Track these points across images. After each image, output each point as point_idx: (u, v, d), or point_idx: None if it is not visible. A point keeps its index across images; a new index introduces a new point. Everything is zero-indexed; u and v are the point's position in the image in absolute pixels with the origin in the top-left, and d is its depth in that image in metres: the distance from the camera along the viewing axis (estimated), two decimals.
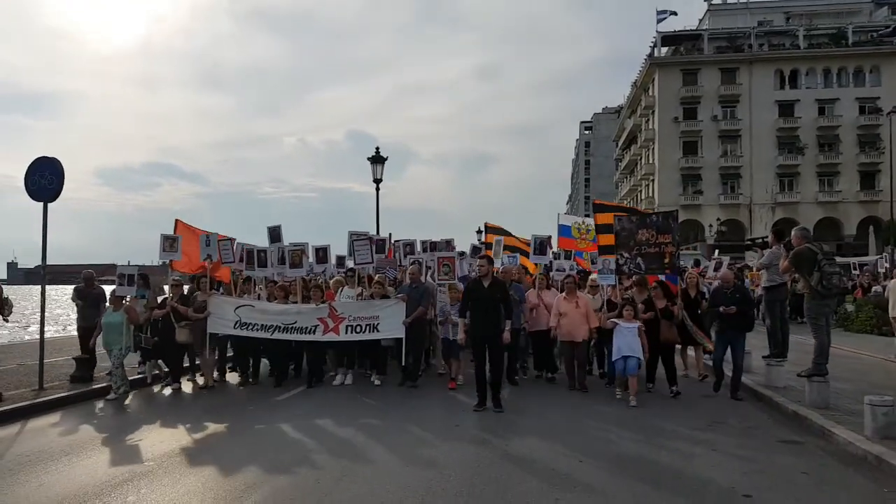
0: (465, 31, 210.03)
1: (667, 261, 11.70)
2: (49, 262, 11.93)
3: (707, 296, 12.03)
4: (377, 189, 23.08)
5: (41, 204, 11.49)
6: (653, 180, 70.04)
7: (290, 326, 11.89)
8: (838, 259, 12.36)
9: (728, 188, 66.51)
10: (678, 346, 12.00)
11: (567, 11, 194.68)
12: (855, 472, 6.67)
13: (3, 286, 11.87)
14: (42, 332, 12.01)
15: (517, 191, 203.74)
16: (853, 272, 28.39)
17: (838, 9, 70.24)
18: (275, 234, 13.94)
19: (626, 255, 11.94)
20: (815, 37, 67.96)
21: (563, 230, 16.07)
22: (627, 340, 10.26)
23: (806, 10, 70.70)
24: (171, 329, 11.70)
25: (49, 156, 11.60)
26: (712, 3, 74.10)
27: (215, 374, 12.41)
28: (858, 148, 64.67)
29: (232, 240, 13.26)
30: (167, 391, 11.71)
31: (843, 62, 65.81)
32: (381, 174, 23.01)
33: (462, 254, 15.48)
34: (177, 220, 13.57)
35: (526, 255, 16.13)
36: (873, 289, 22.26)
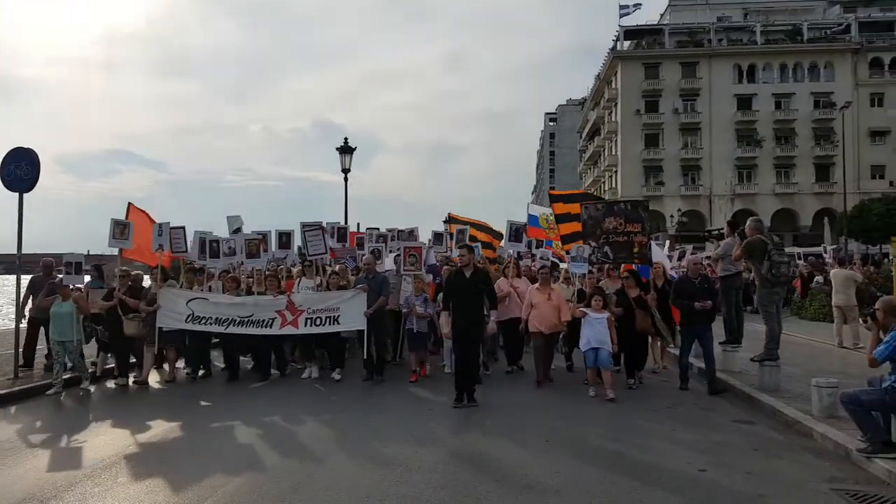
0: (432, 19, 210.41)
1: (636, 250, 11.25)
2: (5, 251, 12.07)
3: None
4: (345, 179, 22.70)
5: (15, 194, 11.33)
6: (616, 171, 70.27)
7: (246, 320, 11.24)
8: (789, 249, 12.77)
9: (689, 179, 66.97)
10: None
11: (530, 3, 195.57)
12: (801, 448, 7.11)
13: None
14: (17, 322, 11.61)
15: (485, 180, 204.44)
16: (798, 262, 28.91)
17: (794, 6, 70.92)
18: (234, 222, 13.46)
19: (593, 243, 11.54)
20: (772, 33, 68.74)
21: (532, 220, 15.81)
22: (596, 331, 9.72)
23: (763, 7, 71.46)
24: (118, 321, 11.00)
25: (25, 146, 11.40)
26: None
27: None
28: (814, 141, 65.53)
29: (182, 228, 12.33)
30: (112, 385, 11.07)
31: (799, 58, 66.51)
32: (350, 164, 22.61)
33: (426, 243, 14.97)
34: (129, 205, 12.55)
35: (490, 246, 15.79)
36: (815, 279, 22.43)
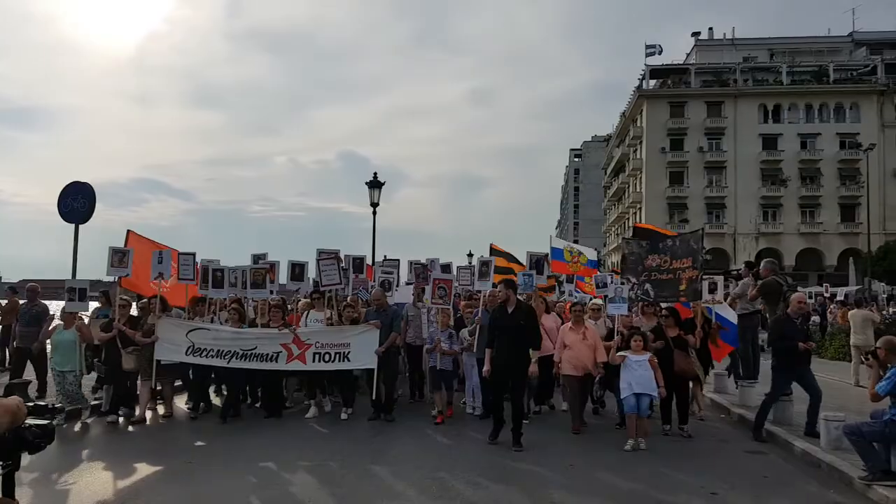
0: (460, 56, 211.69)
1: (683, 287, 10.10)
2: (34, 277, 11.57)
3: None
4: (374, 213, 22.36)
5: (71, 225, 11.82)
6: (640, 208, 69.15)
7: (250, 353, 10.37)
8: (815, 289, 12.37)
9: (713, 217, 65.50)
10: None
11: (559, 41, 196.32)
12: (809, 476, 7.55)
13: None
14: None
15: (508, 214, 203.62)
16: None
17: (819, 47, 69.83)
18: (257, 260, 12.77)
19: (633, 280, 10.55)
20: (798, 73, 67.44)
21: (555, 253, 14.60)
22: (637, 375, 8.68)
23: (789, 48, 70.32)
24: (117, 354, 10.16)
25: (82, 181, 11.96)
26: (699, 38, 73.73)
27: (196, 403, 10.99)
28: (839, 181, 63.80)
29: (193, 254, 11.47)
30: (114, 419, 10.07)
31: (825, 98, 65.13)
32: (378, 198, 22.39)
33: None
34: (129, 231, 11.69)
35: (510, 271, 14.73)
36: (811, 318, 21.85)
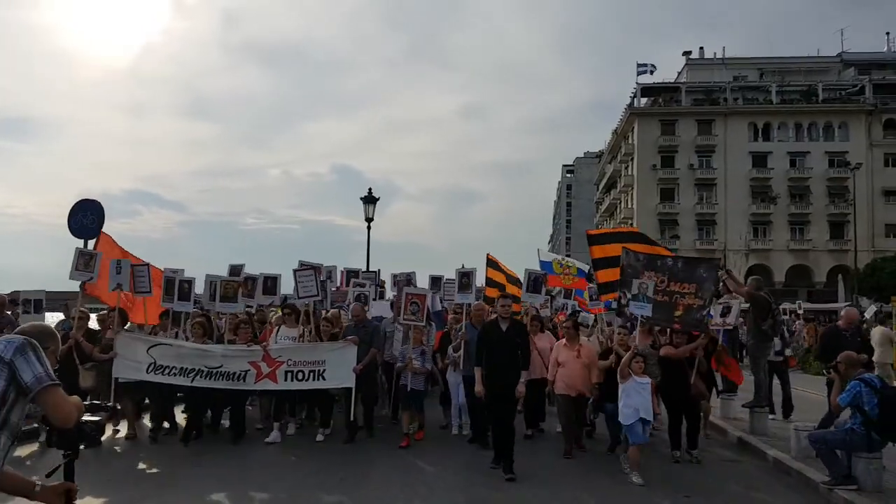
0: (452, 71, 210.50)
1: (679, 313, 9.07)
2: (23, 287, 10.73)
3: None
4: (368, 228, 22.23)
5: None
6: (631, 224, 68.53)
7: (215, 371, 9.49)
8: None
9: (703, 234, 65.04)
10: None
11: (551, 57, 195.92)
12: (778, 483, 7.96)
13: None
14: None
15: (500, 228, 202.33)
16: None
17: (809, 67, 69.57)
18: (235, 272, 12.01)
19: (628, 294, 9.53)
20: (788, 92, 67.26)
21: (545, 266, 13.99)
22: (644, 399, 7.91)
23: (779, 68, 70.03)
24: (73, 371, 9.23)
25: (92, 198, 12.16)
26: (690, 57, 73.54)
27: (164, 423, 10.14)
28: (828, 199, 63.43)
29: (148, 265, 10.62)
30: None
31: (814, 118, 64.91)
32: (373, 213, 22.28)
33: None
34: (101, 233, 10.83)
35: (501, 287, 13.86)
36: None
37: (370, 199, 22.24)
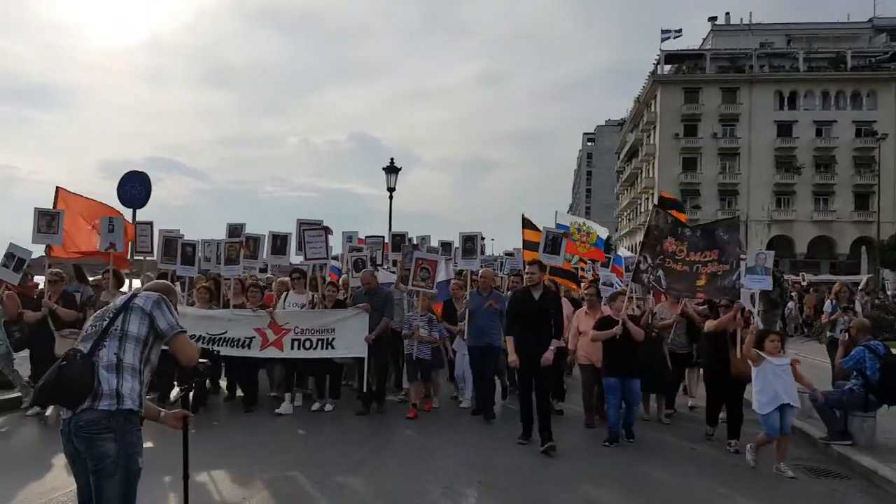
0: (469, 38, 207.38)
1: (702, 282, 8.22)
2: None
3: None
4: (391, 197, 22.30)
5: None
6: (652, 194, 67.34)
7: (218, 338, 8.99)
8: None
9: (725, 204, 63.72)
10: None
11: (570, 23, 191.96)
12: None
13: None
14: None
15: (519, 197, 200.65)
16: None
17: (838, 33, 67.47)
18: (235, 233, 11.47)
19: (649, 259, 8.65)
20: (815, 60, 65.34)
21: (561, 229, 13.26)
22: (786, 382, 6.85)
23: (807, 34, 67.98)
24: (48, 338, 8.57)
25: (139, 170, 12.34)
26: (716, 23, 71.49)
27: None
28: (854, 169, 61.84)
29: (150, 223, 10.13)
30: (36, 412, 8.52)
31: (842, 86, 63.06)
32: (395, 183, 22.27)
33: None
34: (58, 189, 10.10)
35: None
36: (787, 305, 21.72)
37: (392, 170, 22.17)
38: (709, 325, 8.10)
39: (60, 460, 6.75)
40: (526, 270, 8.31)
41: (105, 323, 3.61)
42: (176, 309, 3.91)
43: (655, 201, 61.91)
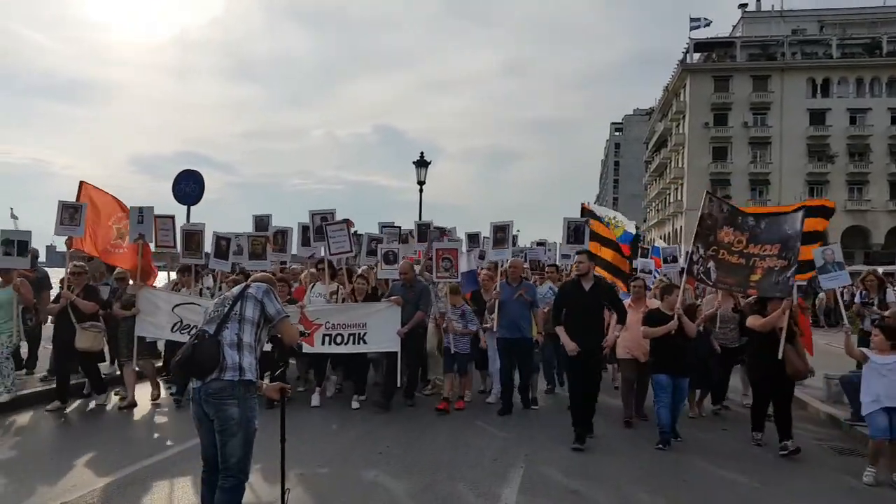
0: (493, 26, 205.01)
1: (756, 277, 7.55)
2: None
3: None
4: (420, 191, 22.41)
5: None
6: (682, 184, 66.35)
7: None
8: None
9: (756, 193, 62.29)
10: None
11: (595, 10, 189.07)
12: (807, 420, 8.93)
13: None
14: None
15: (544, 188, 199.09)
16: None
17: (873, 18, 65.51)
18: (262, 224, 11.19)
19: (701, 250, 7.95)
20: (849, 46, 63.49)
21: (625, 240, 12.48)
22: (888, 382, 6.31)
23: (840, 20, 66.13)
24: (69, 331, 8.29)
25: (192, 168, 13.35)
26: (746, 10, 69.88)
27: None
28: (889, 158, 60.06)
29: (172, 217, 9.78)
30: (56, 406, 8.35)
31: (877, 72, 61.16)
32: (425, 177, 22.29)
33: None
34: (82, 183, 9.77)
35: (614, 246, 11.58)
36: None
37: (422, 163, 22.23)
38: (755, 322, 7.45)
39: (82, 459, 6.53)
40: (575, 260, 7.87)
41: (226, 309, 4.33)
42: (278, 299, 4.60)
43: (681, 196, 60.40)
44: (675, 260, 10.95)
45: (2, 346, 8.16)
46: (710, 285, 8.35)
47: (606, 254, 11.28)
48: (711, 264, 7.83)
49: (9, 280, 8.35)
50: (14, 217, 26.15)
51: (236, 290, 4.52)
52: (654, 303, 8.39)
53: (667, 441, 7.24)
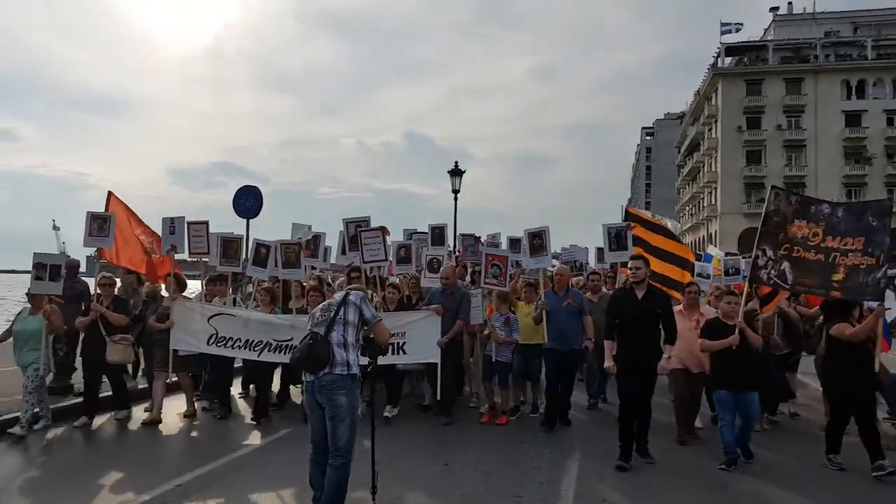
0: (523, 32, 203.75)
1: (839, 277, 6.79)
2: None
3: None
4: (455, 199, 22.64)
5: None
6: (716, 188, 65.05)
7: (284, 344, 8.25)
8: None
9: None
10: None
11: (625, 15, 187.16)
12: None
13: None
14: None
15: (575, 193, 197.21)
16: None
17: None
18: (298, 231, 10.93)
19: (769, 252, 7.16)
20: (885, 47, 61.80)
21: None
22: None
23: (875, 21, 64.42)
24: (101, 344, 8.03)
25: (251, 184, 14.09)
26: (777, 13, 68.49)
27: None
28: None
29: (205, 223, 9.45)
30: (85, 422, 7.99)
31: None
32: (459, 185, 22.58)
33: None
34: (110, 193, 9.39)
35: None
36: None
37: (456, 172, 22.49)
38: (844, 330, 6.58)
39: (111, 477, 6.23)
40: (629, 266, 7.29)
41: (332, 314, 4.98)
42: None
43: (714, 200, 58.95)
44: (737, 272, 10.35)
45: (28, 378, 7.72)
46: (786, 289, 7.56)
47: (661, 242, 10.35)
48: (786, 265, 7.06)
49: (39, 307, 7.99)
50: (56, 228, 26.47)
51: (338, 296, 5.15)
52: (707, 310, 7.84)
53: (732, 462, 6.59)
